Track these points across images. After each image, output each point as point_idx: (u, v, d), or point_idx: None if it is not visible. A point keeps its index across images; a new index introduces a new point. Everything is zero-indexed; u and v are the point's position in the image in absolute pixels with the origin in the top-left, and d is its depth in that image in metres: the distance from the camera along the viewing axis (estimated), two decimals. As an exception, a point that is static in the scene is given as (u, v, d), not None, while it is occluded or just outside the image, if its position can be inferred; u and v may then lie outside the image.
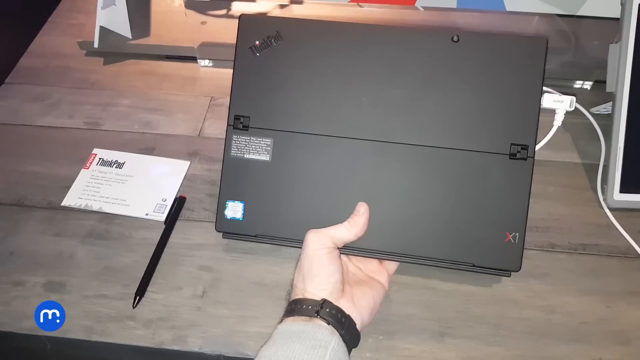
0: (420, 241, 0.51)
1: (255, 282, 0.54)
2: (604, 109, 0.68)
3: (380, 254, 0.51)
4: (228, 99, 0.54)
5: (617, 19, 0.61)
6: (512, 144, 0.51)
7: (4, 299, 0.53)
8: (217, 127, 0.69)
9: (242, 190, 0.53)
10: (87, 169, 0.64)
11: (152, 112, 0.71)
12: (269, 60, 0.53)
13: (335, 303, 0.44)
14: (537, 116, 0.51)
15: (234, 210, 0.53)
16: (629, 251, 0.57)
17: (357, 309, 0.45)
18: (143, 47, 0.78)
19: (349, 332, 0.43)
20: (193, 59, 0.77)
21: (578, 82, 0.73)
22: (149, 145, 0.67)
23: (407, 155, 0.51)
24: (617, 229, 0.59)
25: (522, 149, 0.51)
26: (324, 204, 0.52)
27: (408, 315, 0.52)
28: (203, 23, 0.78)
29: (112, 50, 0.78)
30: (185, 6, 0.77)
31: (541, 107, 0.51)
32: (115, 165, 0.64)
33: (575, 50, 0.75)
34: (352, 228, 0.48)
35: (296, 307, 0.44)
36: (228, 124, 0.54)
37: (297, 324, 0.43)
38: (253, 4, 0.81)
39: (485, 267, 0.51)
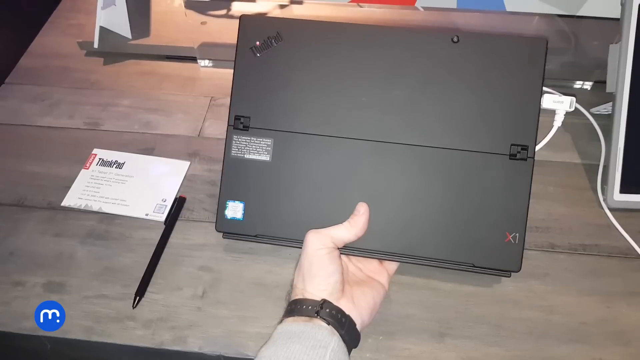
0: (421, 241, 0.51)
1: (255, 283, 0.54)
2: (604, 109, 0.68)
3: (380, 254, 0.51)
4: (228, 99, 0.54)
5: (617, 19, 0.61)
6: (512, 145, 0.51)
7: (3, 299, 0.53)
8: (217, 128, 0.69)
9: (242, 190, 0.53)
10: (87, 169, 0.64)
11: (152, 112, 0.71)
12: (270, 60, 0.53)
13: (335, 303, 0.44)
14: (537, 117, 0.51)
15: (234, 210, 0.53)
16: (629, 251, 0.57)
17: (357, 309, 0.45)
18: (143, 47, 0.78)
19: (349, 333, 0.43)
20: (193, 59, 0.77)
21: (578, 82, 0.73)
22: (149, 146, 0.67)
23: (407, 155, 0.51)
24: (617, 229, 0.59)
25: (522, 149, 0.51)
26: (324, 204, 0.52)
27: (408, 315, 0.52)
28: (203, 23, 0.78)
29: (112, 50, 0.78)
30: (185, 6, 0.77)
31: (541, 107, 0.51)
32: (115, 166, 0.64)
33: (575, 50, 0.75)
34: (352, 228, 0.48)
35: (296, 308, 0.44)
36: (228, 124, 0.54)
37: (297, 325, 0.43)
38: (253, 4, 0.81)
39: (485, 268, 0.51)
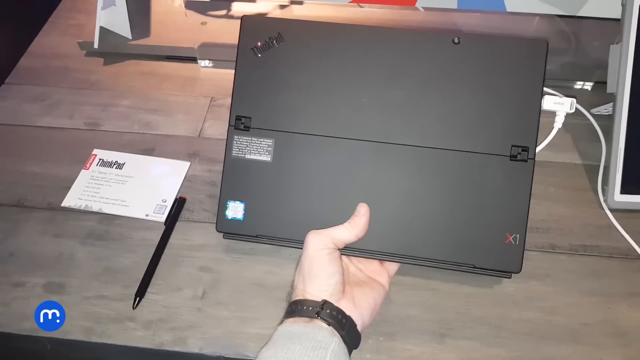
0: (421, 242, 0.51)
1: (256, 283, 0.54)
2: (604, 109, 0.68)
3: (381, 255, 0.51)
4: (228, 99, 0.54)
5: (617, 20, 0.61)
6: (512, 146, 0.51)
7: (3, 300, 0.53)
8: (217, 128, 0.69)
9: (243, 190, 0.53)
10: (87, 169, 0.64)
11: (152, 113, 0.71)
12: (271, 61, 0.53)
13: (335, 304, 0.44)
14: (537, 118, 0.51)
15: (235, 210, 0.53)
16: (629, 252, 0.57)
17: (358, 309, 0.45)
18: (143, 47, 0.78)
19: (349, 333, 0.43)
20: (193, 60, 0.77)
21: (579, 82, 0.73)
22: (149, 146, 0.67)
23: (408, 156, 0.51)
24: (617, 230, 0.59)
25: (522, 150, 0.51)
26: (324, 205, 0.52)
27: (408, 316, 0.52)
28: (203, 23, 0.78)
29: (112, 50, 0.78)
30: (185, 7, 0.77)
31: (542, 109, 0.51)
32: (115, 166, 0.64)
33: (575, 51, 0.75)
34: (352, 229, 0.48)
35: (296, 308, 0.44)
36: (229, 125, 0.54)
37: (297, 325, 0.43)
38: (253, 5, 0.81)
39: (485, 269, 0.51)
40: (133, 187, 0.62)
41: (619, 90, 0.60)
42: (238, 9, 0.80)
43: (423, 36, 0.52)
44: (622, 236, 0.58)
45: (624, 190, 0.59)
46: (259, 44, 0.53)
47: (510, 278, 0.52)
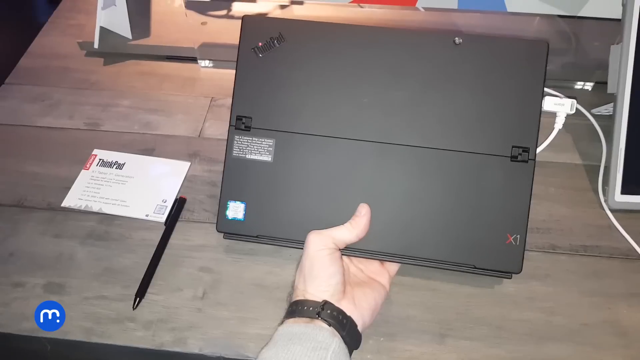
0: (422, 243, 0.51)
1: (256, 284, 0.54)
2: (605, 110, 0.68)
3: (381, 255, 0.51)
4: (228, 99, 0.54)
5: (618, 20, 0.61)
6: (513, 147, 0.51)
7: (3, 300, 0.53)
8: (217, 128, 0.69)
9: (243, 190, 0.53)
10: (87, 169, 0.64)
11: (152, 113, 0.71)
12: (272, 61, 0.53)
13: (336, 304, 0.44)
14: (538, 119, 0.51)
15: (235, 210, 0.53)
16: (630, 252, 0.57)
17: (359, 310, 0.45)
18: (143, 47, 0.77)
19: (350, 334, 0.43)
20: (193, 60, 0.77)
21: (579, 83, 0.73)
22: (149, 146, 0.67)
23: (408, 156, 0.51)
24: (618, 230, 0.59)
25: (523, 151, 0.50)
26: (325, 205, 0.52)
27: (409, 316, 0.52)
28: (203, 23, 0.78)
29: (112, 50, 0.78)
30: (185, 7, 0.77)
31: (542, 110, 0.51)
32: (115, 166, 0.64)
33: (576, 51, 0.75)
34: (353, 229, 0.48)
35: (297, 309, 0.44)
36: (230, 124, 0.54)
37: (298, 326, 0.43)
38: (253, 5, 0.80)
39: (486, 269, 0.51)
40: (133, 187, 0.62)
41: (619, 90, 0.60)
42: (238, 9, 0.80)
43: (424, 37, 0.52)
44: (623, 236, 0.58)
45: (624, 191, 0.59)
46: (260, 44, 0.53)
47: (510, 278, 0.52)
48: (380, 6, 0.78)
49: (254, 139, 0.53)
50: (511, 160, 0.51)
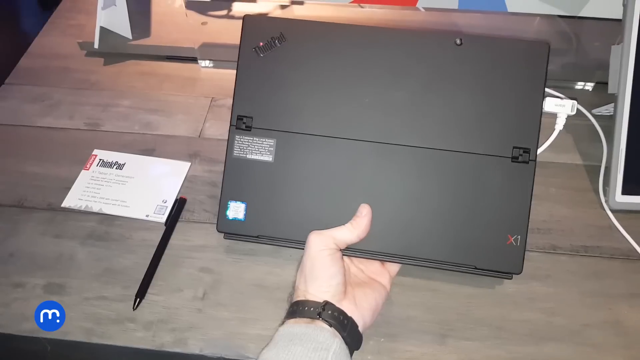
0: (422, 243, 0.51)
1: (256, 284, 0.54)
2: (605, 110, 0.68)
3: (382, 256, 0.51)
4: (229, 100, 0.54)
5: (619, 20, 0.61)
6: (514, 147, 0.51)
7: (3, 301, 0.53)
8: (217, 128, 0.69)
9: (244, 190, 0.53)
10: (87, 170, 0.64)
11: (153, 113, 0.71)
12: (273, 61, 0.53)
13: (337, 305, 0.44)
14: (538, 120, 0.51)
15: (236, 210, 0.53)
16: (631, 253, 0.57)
17: (359, 310, 0.45)
18: (143, 47, 0.77)
19: (351, 335, 0.43)
20: (193, 60, 0.77)
21: (580, 83, 0.73)
22: (149, 146, 0.67)
23: (409, 157, 0.51)
24: (619, 230, 0.58)
25: (524, 152, 0.50)
26: (326, 205, 0.52)
27: (409, 317, 0.52)
28: (204, 24, 0.78)
29: (112, 50, 0.78)
30: (185, 7, 0.77)
31: (543, 110, 0.51)
32: (115, 167, 0.64)
33: (576, 51, 0.75)
34: (354, 230, 0.48)
35: (298, 309, 0.44)
36: (231, 124, 0.53)
37: (298, 326, 0.43)
38: (254, 5, 0.80)
39: (486, 270, 0.51)
40: (133, 187, 0.62)
41: (620, 90, 0.60)
42: (238, 9, 0.80)
43: (425, 37, 0.52)
44: (624, 237, 0.58)
45: (625, 191, 0.59)
46: (261, 43, 0.53)
47: (511, 279, 0.52)
48: (381, 6, 0.78)
49: (254, 138, 0.53)
50: (512, 161, 0.51)
